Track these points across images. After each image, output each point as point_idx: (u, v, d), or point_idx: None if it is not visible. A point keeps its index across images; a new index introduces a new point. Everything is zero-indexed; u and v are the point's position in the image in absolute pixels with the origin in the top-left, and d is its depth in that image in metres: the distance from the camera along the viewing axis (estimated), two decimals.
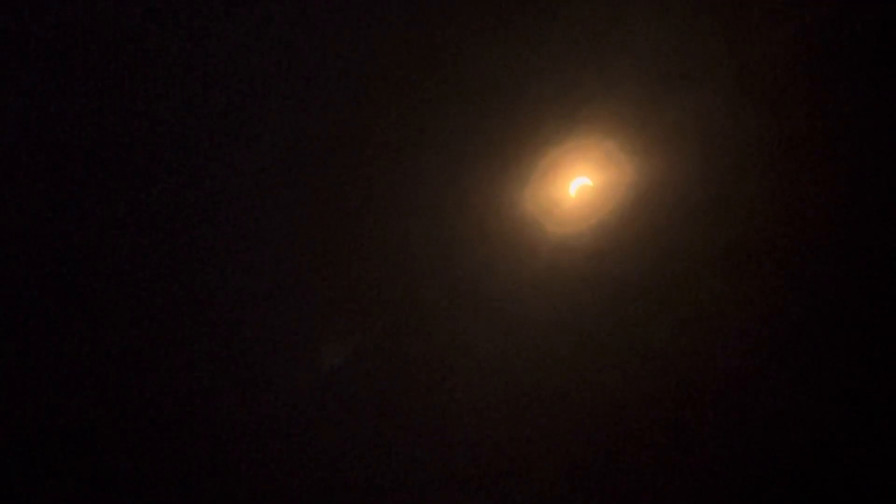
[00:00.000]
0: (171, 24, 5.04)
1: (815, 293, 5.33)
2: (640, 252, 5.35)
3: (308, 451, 5.60)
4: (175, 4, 5.03)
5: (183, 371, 5.49)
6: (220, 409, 5.54)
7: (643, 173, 5.29)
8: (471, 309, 5.41)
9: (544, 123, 5.25)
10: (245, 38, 5.10)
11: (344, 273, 5.41)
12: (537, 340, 5.44)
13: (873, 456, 5.50)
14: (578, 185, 5.37)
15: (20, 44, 5.03)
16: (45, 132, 5.16)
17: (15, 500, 5.63)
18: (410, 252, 5.38)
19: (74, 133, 5.16)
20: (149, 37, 5.06)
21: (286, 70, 5.19)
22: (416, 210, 5.34)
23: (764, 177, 5.27)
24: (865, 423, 5.48)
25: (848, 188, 5.25)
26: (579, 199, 5.37)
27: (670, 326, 5.40)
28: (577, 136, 5.28)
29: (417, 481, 5.67)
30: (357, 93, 5.25)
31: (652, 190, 5.30)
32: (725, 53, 5.17)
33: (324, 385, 5.51)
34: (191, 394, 5.52)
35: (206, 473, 5.60)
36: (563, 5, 5.15)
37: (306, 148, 5.30)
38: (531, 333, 5.43)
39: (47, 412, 5.52)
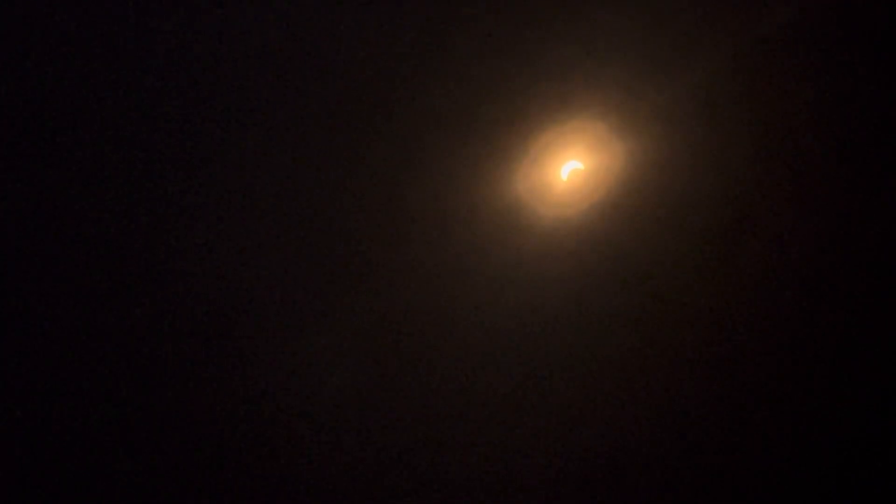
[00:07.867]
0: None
1: (807, 275, 5.36)
2: (631, 235, 5.36)
3: (294, 448, 5.52)
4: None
5: (171, 364, 5.42)
6: (213, 408, 5.47)
7: (634, 157, 5.31)
8: (461, 292, 5.39)
9: (535, 107, 5.27)
10: (247, 29, 5.12)
11: (334, 254, 5.37)
12: (528, 323, 5.41)
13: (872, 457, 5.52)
14: (570, 168, 5.39)
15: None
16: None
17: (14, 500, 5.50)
18: (401, 235, 5.36)
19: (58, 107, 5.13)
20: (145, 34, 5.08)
21: (280, 57, 5.19)
22: (408, 194, 5.33)
23: (754, 159, 5.31)
24: (864, 422, 5.49)
25: (838, 171, 5.31)
26: (571, 183, 5.38)
27: (662, 310, 5.40)
28: (568, 120, 5.30)
29: (406, 476, 5.61)
30: (346, 77, 5.25)
31: (643, 173, 5.32)
32: (717, 37, 5.23)
33: (313, 372, 5.45)
34: (182, 392, 5.44)
35: (202, 474, 5.52)
36: None
37: (296, 131, 5.29)
38: (522, 316, 5.41)
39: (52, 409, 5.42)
